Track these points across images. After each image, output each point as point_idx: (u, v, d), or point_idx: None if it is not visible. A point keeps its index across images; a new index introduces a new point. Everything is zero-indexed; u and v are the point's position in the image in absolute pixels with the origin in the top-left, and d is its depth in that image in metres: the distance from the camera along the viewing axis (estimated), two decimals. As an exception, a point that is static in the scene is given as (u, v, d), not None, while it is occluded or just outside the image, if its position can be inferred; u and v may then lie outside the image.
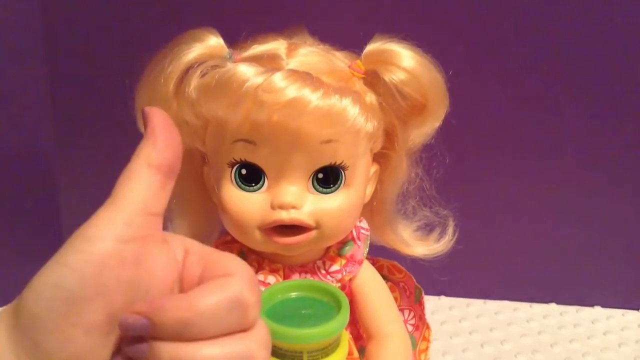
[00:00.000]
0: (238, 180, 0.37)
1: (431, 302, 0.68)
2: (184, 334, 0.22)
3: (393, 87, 0.38)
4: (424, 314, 0.48)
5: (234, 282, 0.23)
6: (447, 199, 0.45)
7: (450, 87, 0.40)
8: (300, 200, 0.36)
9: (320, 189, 0.37)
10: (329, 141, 0.35)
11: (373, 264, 0.46)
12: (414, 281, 0.48)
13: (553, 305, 0.68)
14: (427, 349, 0.48)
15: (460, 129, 0.45)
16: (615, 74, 0.57)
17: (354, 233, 0.43)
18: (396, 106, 0.39)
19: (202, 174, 0.42)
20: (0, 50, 0.59)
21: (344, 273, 0.41)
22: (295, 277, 0.40)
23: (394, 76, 0.37)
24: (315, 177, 0.37)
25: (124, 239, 0.24)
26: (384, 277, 0.47)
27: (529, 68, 0.57)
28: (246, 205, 0.37)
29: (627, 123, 0.59)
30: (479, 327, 0.65)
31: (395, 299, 0.47)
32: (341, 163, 0.37)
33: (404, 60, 0.38)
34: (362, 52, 0.39)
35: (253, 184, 0.37)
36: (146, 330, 0.22)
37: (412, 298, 0.49)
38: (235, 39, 0.40)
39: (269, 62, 0.36)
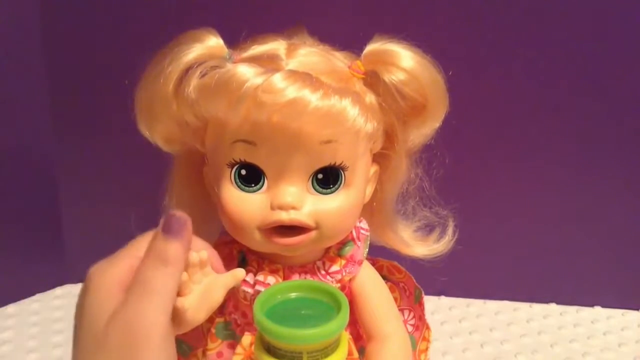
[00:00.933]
0: (238, 180, 0.37)
1: (431, 302, 0.68)
2: None
3: (393, 87, 0.38)
4: (423, 314, 0.48)
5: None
6: (446, 199, 0.45)
7: (450, 87, 0.40)
8: (300, 201, 0.36)
9: (320, 189, 0.37)
10: (328, 142, 0.35)
11: (373, 264, 0.46)
12: (414, 281, 0.48)
13: (553, 305, 0.68)
14: (427, 349, 0.48)
15: (460, 130, 0.45)
16: (616, 74, 0.57)
17: (354, 233, 0.43)
18: (396, 106, 0.39)
19: (202, 174, 0.42)
20: (0, 50, 0.59)
21: (344, 273, 0.41)
22: (295, 278, 0.40)
23: (394, 76, 0.37)
24: (315, 178, 0.37)
25: None
26: (384, 278, 0.47)
27: (529, 68, 0.57)
28: (246, 205, 0.37)
29: (627, 123, 0.59)
30: (479, 327, 0.65)
31: (395, 299, 0.47)
32: (341, 163, 0.37)
33: (404, 61, 0.38)
34: (361, 52, 0.39)
35: (253, 185, 0.37)
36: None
37: (412, 298, 0.49)
38: (235, 39, 0.40)
39: (269, 63, 0.36)
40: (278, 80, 0.33)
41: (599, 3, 0.55)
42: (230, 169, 0.37)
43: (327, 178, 0.37)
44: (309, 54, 0.38)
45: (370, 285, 0.43)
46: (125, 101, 0.40)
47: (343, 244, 0.42)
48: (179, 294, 0.30)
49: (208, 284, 0.33)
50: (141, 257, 0.30)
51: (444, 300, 0.69)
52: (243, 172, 0.37)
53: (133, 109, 0.40)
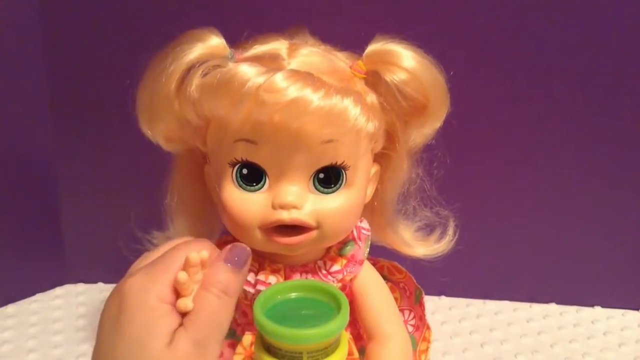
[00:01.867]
0: (239, 180, 0.37)
1: (431, 302, 0.68)
2: None
3: (394, 87, 0.38)
4: (424, 315, 0.48)
5: None
6: (447, 200, 0.45)
7: (451, 87, 0.40)
8: (301, 200, 0.36)
9: (321, 189, 0.37)
10: (330, 141, 0.35)
11: (373, 264, 0.46)
12: (414, 282, 0.48)
13: (553, 305, 0.68)
14: (427, 349, 0.48)
15: (461, 130, 0.45)
16: (616, 75, 0.57)
17: (355, 233, 0.43)
18: (397, 106, 0.39)
19: (203, 173, 0.42)
20: (0, 50, 0.59)
21: (345, 273, 0.41)
22: (296, 277, 0.40)
23: (395, 76, 0.37)
24: (316, 177, 0.37)
25: None
26: (384, 278, 0.47)
27: (529, 68, 0.57)
28: (247, 205, 0.37)
29: (627, 123, 0.59)
30: (479, 327, 0.65)
31: (396, 299, 0.47)
32: (342, 163, 0.37)
33: (405, 61, 0.38)
34: (363, 52, 0.39)
35: (254, 184, 0.37)
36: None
37: (412, 298, 0.49)
38: (236, 38, 0.40)
39: (270, 62, 0.36)
40: (279, 79, 0.33)
41: (599, 3, 0.55)
42: (231, 168, 0.37)
43: (329, 177, 0.37)
44: (310, 54, 0.38)
45: (371, 285, 0.43)
46: (125, 101, 0.40)
47: (344, 243, 0.42)
48: (180, 294, 0.30)
49: None
50: (177, 272, 0.30)
51: (444, 300, 0.69)
52: (244, 171, 0.37)
53: (134, 109, 0.40)
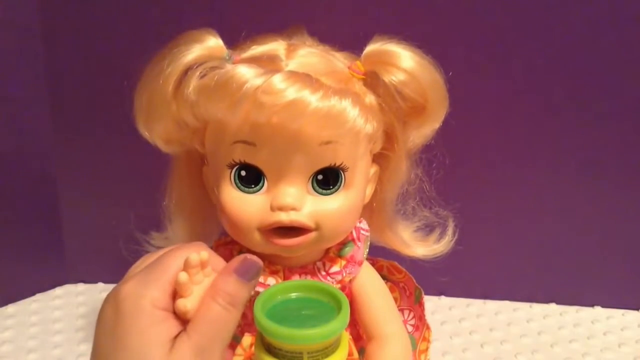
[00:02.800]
0: (237, 181, 0.37)
1: (431, 302, 0.68)
2: None
3: (393, 88, 0.38)
4: (423, 315, 0.48)
5: None
6: (446, 200, 0.45)
7: (450, 88, 0.40)
8: (299, 202, 0.36)
9: (320, 190, 0.37)
10: (328, 142, 0.35)
11: (373, 264, 0.46)
12: (414, 281, 0.48)
13: (553, 306, 0.68)
14: (427, 349, 0.48)
15: (460, 130, 0.45)
16: (617, 75, 0.57)
17: (354, 234, 0.43)
18: (396, 107, 0.39)
19: (201, 174, 0.42)
20: (0, 50, 0.59)
21: (344, 274, 0.41)
22: (295, 279, 0.40)
23: (394, 77, 0.37)
24: (314, 179, 0.37)
25: None
26: (384, 278, 0.47)
27: (529, 68, 0.57)
28: (245, 206, 0.37)
29: (627, 123, 0.59)
30: (479, 327, 0.65)
31: (395, 299, 0.47)
32: (341, 164, 0.37)
33: (404, 61, 0.38)
34: (361, 52, 0.39)
35: (252, 186, 0.37)
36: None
37: (412, 298, 0.49)
38: (234, 39, 0.40)
39: (268, 63, 0.36)
40: (278, 81, 0.33)
41: (600, 3, 0.55)
42: (230, 170, 0.37)
43: (327, 179, 0.37)
44: (308, 55, 0.38)
45: (371, 285, 0.43)
46: (124, 101, 0.40)
47: (343, 244, 0.42)
48: (180, 295, 0.30)
49: (209, 285, 0.33)
50: (173, 278, 0.30)
51: (444, 300, 0.69)
52: (243, 173, 0.37)
53: (132, 110, 0.40)
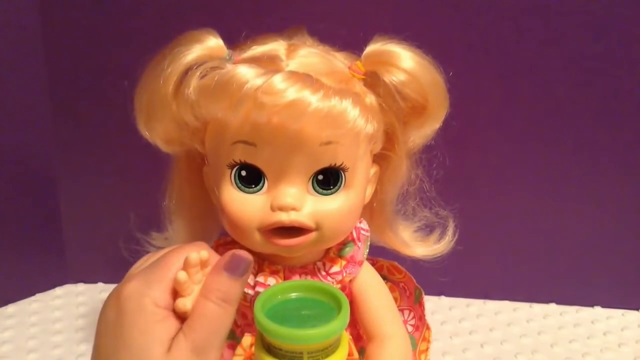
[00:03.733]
0: (238, 181, 0.37)
1: (431, 302, 0.68)
2: None
3: (393, 88, 0.38)
4: (424, 315, 0.48)
5: None
6: (447, 200, 0.45)
7: (451, 88, 0.40)
8: (300, 202, 0.36)
9: (320, 190, 0.37)
10: (329, 143, 0.35)
11: (373, 264, 0.46)
12: (414, 281, 0.48)
13: (553, 306, 0.68)
14: (427, 349, 0.48)
15: (460, 130, 0.45)
16: (616, 74, 0.57)
17: (354, 234, 0.43)
18: (396, 107, 0.39)
19: (201, 174, 0.42)
20: (0, 51, 0.59)
21: (344, 274, 0.41)
22: (296, 279, 0.40)
23: (394, 77, 0.37)
24: (315, 179, 0.37)
25: None
26: (384, 278, 0.47)
27: (529, 69, 0.57)
28: (246, 206, 0.37)
29: (627, 123, 0.59)
30: (479, 327, 0.65)
31: (395, 299, 0.47)
32: (341, 164, 0.37)
33: (404, 62, 0.38)
34: (362, 53, 0.39)
35: (253, 186, 0.37)
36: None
37: (412, 298, 0.49)
38: (234, 39, 0.40)
39: (269, 64, 0.36)
40: (278, 81, 0.33)
41: (600, 3, 0.55)
42: (230, 170, 0.37)
43: (328, 179, 0.37)
44: (309, 55, 0.38)
45: (371, 286, 0.43)
46: (125, 102, 0.40)
47: (343, 244, 0.42)
48: (180, 294, 0.30)
49: None
50: (173, 278, 0.30)
51: (444, 300, 0.69)
52: (243, 173, 0.37)
53: (133, 110, 0.40)
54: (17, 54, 0.60)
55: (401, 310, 0.49)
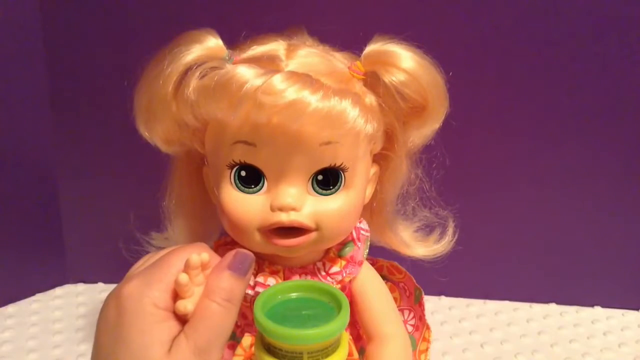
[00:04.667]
0: (237, 182, 0.37)
1: (431, 303, 0.68)
2: None
3: (393, 88, 0.38)
4: (423, 315, 0.48)
5: None
6: (447, 200, 0.45)
7: (450, 88, 0.40)
8: (299, 202, 0.36)
9: (320, 190, 0.37)
10: (328, 143, 0.35)
11: (373, 264, 0.46)
12: (414, 282, 0.48)
13: (553, 305, 0.68)
14: (427, 349, 0.48)
15: (460, 130, 0.45)
16: (616, 74, 0.57)
17: (354, 234, 0.43)
18: (396, 107, 0.39)
19: (201, 175, 0.42)
20: (0, 50, 0.59)
21: (344, 274, 0.41)
22: (296, 279, 0.40)
23: (394, 77, 0.37)
24: (315, 179, 0.37)
25: None
26: (384, 278, 0.47)
27: (529, 69, 0.57)
28: (246, 207, 0.37)
29: (627, 123, 0.59)
30: (479, 327, 0.65)
31: (395, 299, 0.47)
32: (341, 165, 0.37)
33: (404, 62, 0.38)
34: (361, 53, 0.39)
35: (252, 186, 0.37)
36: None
37: (412, 298, 0.49)
38: (234, 39, 0.40)
39: (269, 64, 0.36)
40: (278, 81, 0.33)
41: (600, 3, 0.55)
42: (230, 170, 0.37)
43: (327, 179, 0.37)
44: (308, 55, 0.38)
45: (371, 286, 0.43)
46: (125, 101, 0.40)
47: (343, 244, 0.42)
48: (180, 296, 0.30)
49: None
50: (174, 279, 0.30)
51: (444, 300, 0.69)
52: (243, 173, 0.37)
53: (133, 110, 0.40)
54: (17, 53, 0.60)
55: (401, 310, 0.49)
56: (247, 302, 0.41)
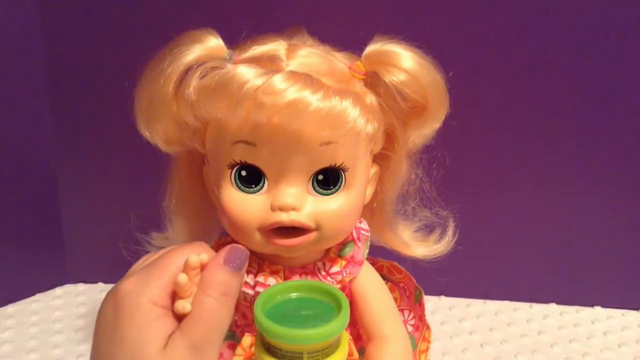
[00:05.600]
0: (238, 181, 0.37)
1: (431, 302, 0.68)
2: None
3: (393, 88, 0.38)
4: (424, 315, 0.48)
5: None
6: (447, 200, 0.45)
7: (451, 88, 0.40)
8: (300, 202, 0.36)
9: (320, 190, 0.37)
10: (329, 143, 0.35)
11: (373, 264, 0.46)
12: (414, 281, 0.48)
13: (553, 305, 0.68)
14: (427, 349, 0.48)
15: (461, 130, 0.45)
16: (616, 74, 0.57)
17: (354, 234, 0.43)
18: (396, 107, 0.39)
19: (201, 174, 0.42)
20: (0, 50, 0.59)
21: (344, 274, 0.41)
22: (296, 279, 0.40)
23: (394, 77, 0.37)
24: (315, 179, 0.37)
25: None
26: (384, 278, 0.47)
27: (529, 69, 0.57)
28: (246, 206, 0.37)
29: (627, 123, 0.59)
30: (479, 327, 0.65)
31: (395, 299, 0.47)
32: (341, 164, 0.37)
33: (404, 62, 0.38)
34: (362, 53, 0.39)
35: (253, 186, 0.37)
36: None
37: (412, 298, 0.49)
38: (234, 39, 0.40)
39: (269, 64, 0.36)
40: (278, 81, 0.33)
41: (599, 3, 0.55)
42: (230, 170, 0.37)
43: (328, 179, 0.37)
44: (309, 55, 0.38)
45: (371, 286, 0.43)
46: (125, 101, 0.40)
47: (343, 244, 0.42)
48: (179, 296, 0.30)
49: None
50: (172, 277, 0.30)
51: (444, 300, 0.69)
52: (243, 173, 0.37)
53: (133, 110, 0.40)
54: (17, 53, 0.60)
55: (401, 311, 0.49)
56: (247, 302, 0.41)
